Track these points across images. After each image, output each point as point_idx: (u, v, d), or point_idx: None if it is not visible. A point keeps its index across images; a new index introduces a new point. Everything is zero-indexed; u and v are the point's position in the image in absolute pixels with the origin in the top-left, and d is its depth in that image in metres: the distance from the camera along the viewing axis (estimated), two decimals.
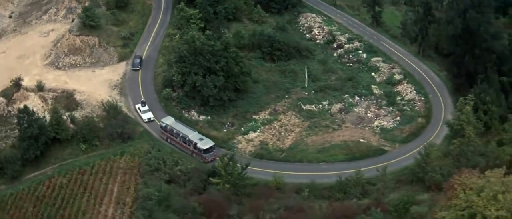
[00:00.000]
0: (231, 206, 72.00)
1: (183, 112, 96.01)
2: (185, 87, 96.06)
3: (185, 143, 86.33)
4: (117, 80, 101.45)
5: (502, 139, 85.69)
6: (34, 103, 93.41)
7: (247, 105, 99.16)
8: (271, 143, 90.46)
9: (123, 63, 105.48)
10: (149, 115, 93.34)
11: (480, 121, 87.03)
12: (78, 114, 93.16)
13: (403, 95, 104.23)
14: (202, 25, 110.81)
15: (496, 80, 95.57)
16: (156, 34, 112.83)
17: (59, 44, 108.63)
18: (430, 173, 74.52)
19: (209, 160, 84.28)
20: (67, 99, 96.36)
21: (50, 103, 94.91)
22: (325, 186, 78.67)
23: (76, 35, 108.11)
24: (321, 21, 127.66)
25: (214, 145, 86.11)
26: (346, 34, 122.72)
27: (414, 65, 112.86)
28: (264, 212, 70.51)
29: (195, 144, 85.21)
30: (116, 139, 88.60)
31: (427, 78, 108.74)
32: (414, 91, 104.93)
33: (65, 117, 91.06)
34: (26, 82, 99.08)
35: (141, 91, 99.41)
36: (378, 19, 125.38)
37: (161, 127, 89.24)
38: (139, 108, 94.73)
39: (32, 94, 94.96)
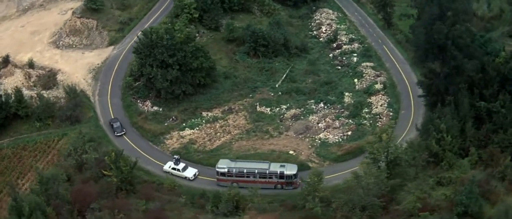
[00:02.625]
0: (100, 199, 75.56)
1: (138, 101, 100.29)
2: (142, 78, 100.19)
3: (265, 177, 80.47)
4: (97, 64, 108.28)
5: (442, 178, 76.49)
6: (17, 79, 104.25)
7: (204, 100, 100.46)
8: (199, 143, 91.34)
9: (111, 48, 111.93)
10: (193, 171, 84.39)
11: (429, 151, 79.54)
12: (50, 93, 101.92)
13: (373, 107, 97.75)
14: (196, 15, 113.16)
15: (466, 104, 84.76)
16: (154, 21, 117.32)
17: (65, 25, 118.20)
18: (308, 203, 70.40)
19: (298, 183, 79.80)
20: (49, 78, 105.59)
21: (32, 80, 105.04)
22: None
23: (78, 17, 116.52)
24: (334, 18, 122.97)
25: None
26: (351, 35, 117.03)
27: (404, 75, 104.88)
28: (121, 210, 72.98)
29: (281, 173, 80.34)
30: (65, 121, 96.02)
31: (410, 91, 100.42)
32: (386, 105, 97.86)
33: (34, 95, 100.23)
34: (26, 58, 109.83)
35: (111, 77, 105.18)
36: (389, 21, 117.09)
37: (222, 174, 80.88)
38: (173, 168, 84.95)
39: (18, 70, 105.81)
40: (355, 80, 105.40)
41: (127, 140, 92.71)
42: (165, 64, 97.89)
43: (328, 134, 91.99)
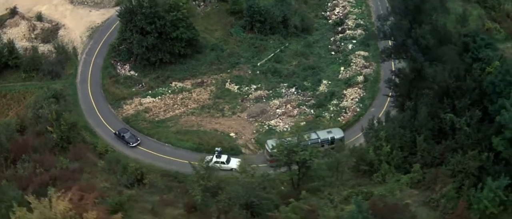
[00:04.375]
0: (34, 153, 78.43)
1: (118, 64, 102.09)
2: (124, 43, 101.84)
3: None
4: (98, 23, 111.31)
5: (359, 192, 69.00)
6: (20, 30, 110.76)
7: (179, 71, 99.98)
8: (152, 113, 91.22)
9: (115, 9, 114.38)
10: (236, 161, 78.42)
11: (363, 161, 73.38)
12: (45, 47, 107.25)
13: (344, 100, 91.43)
14: None
15: (424, 113, 75.53)
16: None
17: None
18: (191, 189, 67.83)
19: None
20: (51, 32, 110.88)
21: (35, 33, 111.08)
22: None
23: None
24: (352, 0, 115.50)
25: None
26: (360, 20, 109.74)
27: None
28: (43, 165, 75.07)
29: (332, 138, 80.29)
30: (47, 75, 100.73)
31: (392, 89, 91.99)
32: (357, 99, 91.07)
33: (29, 47, 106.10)
34: (40, 10, 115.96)
35: (104, 38, 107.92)
36: None
37: (273, 155, 73.68)
38: (216, 162, 77.14)
39: (23, 22, 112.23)
40: (342, 68, 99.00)
41: (92, 101, 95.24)
42: (145, 31, 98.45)
43: (280, 121, 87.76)
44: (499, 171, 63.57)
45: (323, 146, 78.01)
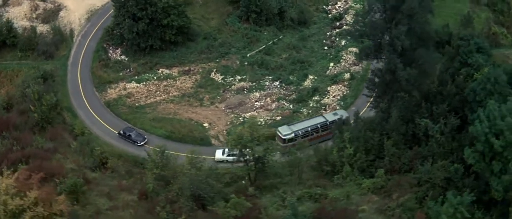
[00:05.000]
0: (15, 130, 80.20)
1: (110, 48, 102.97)
2: (116, 27, 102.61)
3: (328, 128, 79.86)
4: (97, 7, 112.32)
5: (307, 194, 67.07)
6: (22, 10, 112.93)
7: (168, 58, 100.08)
8: (133, 98, 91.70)
9: None
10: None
11: (326, 162, 72.14)
12: (44, 27, 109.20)
13: (325, 97, 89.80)
14: None
15: (395, 117, 72.80)
16: None
17: None
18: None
19: None
20: (52, 13, 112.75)
21: (37, 13, 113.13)
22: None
23: None
24: None
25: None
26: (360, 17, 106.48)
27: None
28: (20, 143, 76.41)
29: (340, 119, 79.18)
30: (41, 55, 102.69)
31: None
32: (339, 97, 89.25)
33: (28, 27, 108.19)
34: None
35: (101, 21, 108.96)
36: None
37: (290, 140, 77.82)
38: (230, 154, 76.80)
39: (26, 1, 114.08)
40: (331, 64, 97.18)
41: (79, 83, 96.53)
42: (136, 17, 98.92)
43: (257, 114, 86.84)
44: (467, 185, 60.66)
45: (331, 127, 77.40)
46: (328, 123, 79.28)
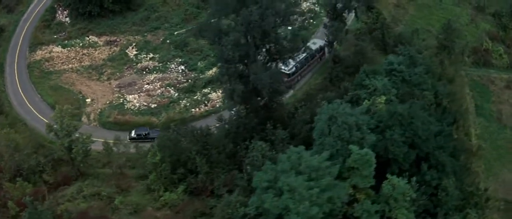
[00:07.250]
0: None
1: (60, 8, 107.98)
2: None
3: (315, 56, 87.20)
4: None
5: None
6: None
7: (103, 26, 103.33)
8: (51, 62, 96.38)
9: None
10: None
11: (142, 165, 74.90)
12: None
13: (214, 92, 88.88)
14: None
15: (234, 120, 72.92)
16: None
17: None
18: None
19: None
20: None
21: None
22: None
23: None
24: None
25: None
26: (316, 6, 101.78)
27: None
28: None
29: (321, 45, 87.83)
30: (4, 8, 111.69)
31: None
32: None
33: None
34: None
35: None
36: None
37: (292, 74, 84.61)
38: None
39: None
40: None
41: (20, 40, 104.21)
42: None
43: (138, 97, 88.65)
44: None
45: (318, 54, 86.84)
46: (313, 52, 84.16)
